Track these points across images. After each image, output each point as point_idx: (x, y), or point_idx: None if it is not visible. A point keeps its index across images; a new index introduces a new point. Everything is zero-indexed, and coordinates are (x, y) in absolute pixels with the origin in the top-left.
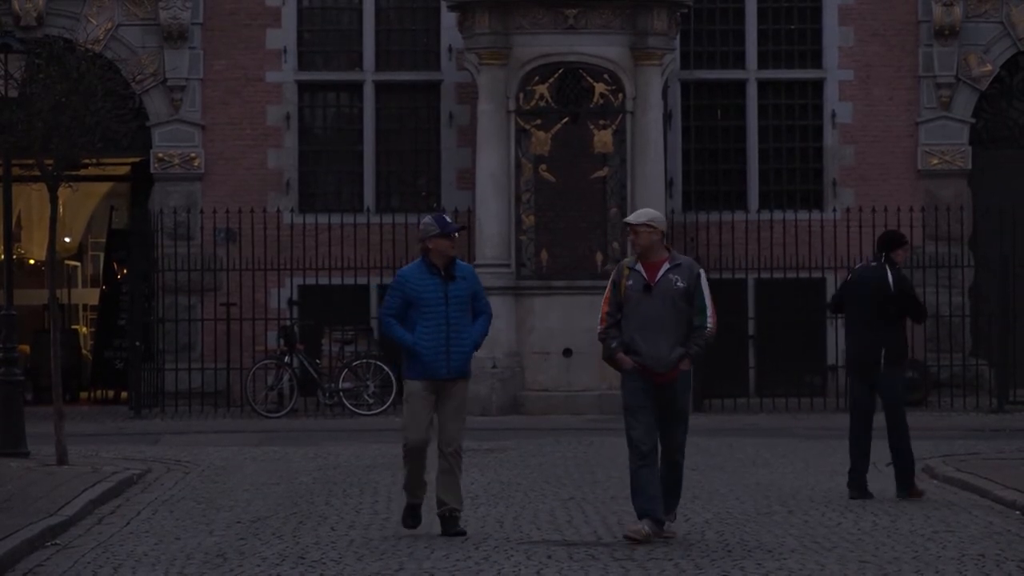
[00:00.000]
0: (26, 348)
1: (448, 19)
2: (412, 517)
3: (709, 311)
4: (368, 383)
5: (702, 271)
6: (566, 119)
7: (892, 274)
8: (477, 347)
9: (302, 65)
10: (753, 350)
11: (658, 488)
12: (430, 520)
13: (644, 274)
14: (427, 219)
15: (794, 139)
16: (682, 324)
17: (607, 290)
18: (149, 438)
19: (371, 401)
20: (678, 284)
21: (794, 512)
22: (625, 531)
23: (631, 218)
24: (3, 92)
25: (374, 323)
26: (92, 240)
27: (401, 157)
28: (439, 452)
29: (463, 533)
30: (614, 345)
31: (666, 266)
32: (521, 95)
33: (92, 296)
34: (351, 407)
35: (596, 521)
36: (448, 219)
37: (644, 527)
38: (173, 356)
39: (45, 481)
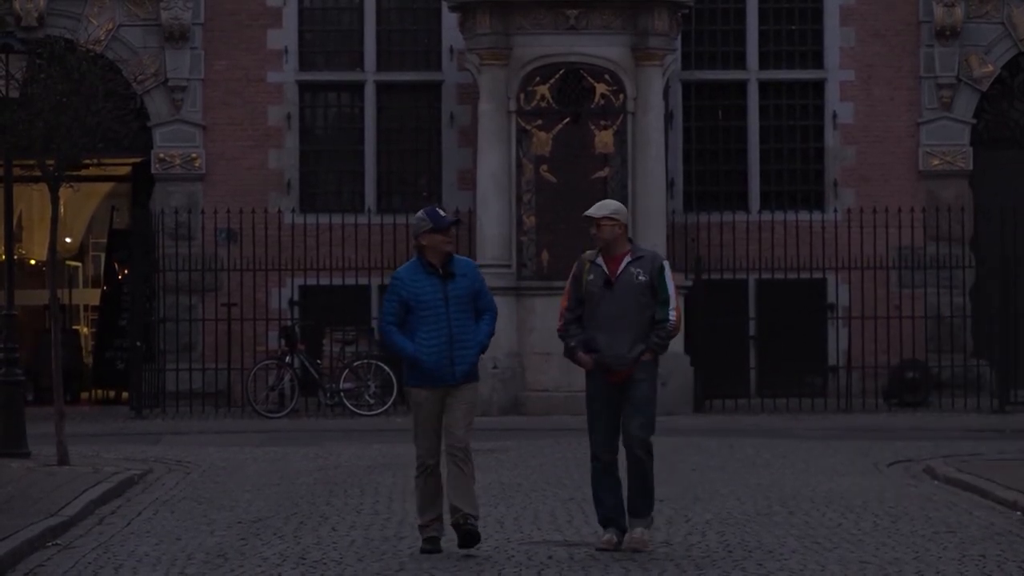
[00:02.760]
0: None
1: (449, 19)
2: (431, 548)
3: (672, 304)
4: (369, 383)
5: (666, 262)
6: (567, 119)
7: None
8: (484, 349)
9: (303, 65)
10: (754, 351)
11: (620, 495)
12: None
13: (605, 268)
14: (419, 214)
15: (795, 140)
16: (644, 319)
17: (567, 285)
18: (150, 438)
19: (372, 401)
20: (640, 278)
21: (795, 513)
22: (596, 545)
23: (592, 211)
24: (4, 92)
25: (375, 323)
26: (93, 240)
27: (402, 157)
28: (447, 455)
29: (479, 539)
30: (573, 344)
31: (627, 259)
32: (522, 95)
33: (93, 296)
34: (352, 407)
35: (596, 521)
36: (442, 212)
37: (612, 537)
38: (174, 356)
39: (46, 481)
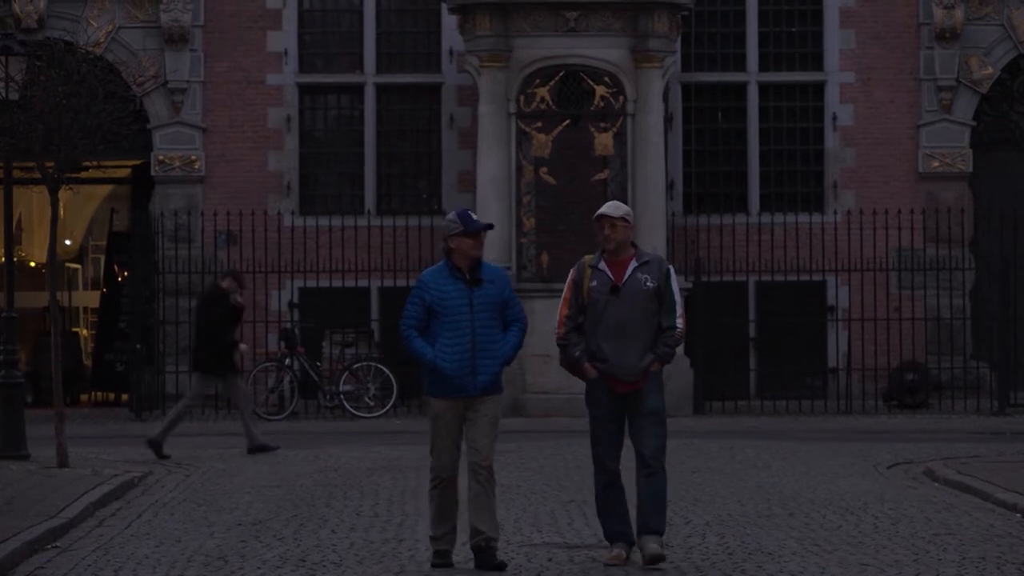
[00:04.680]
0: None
1: (449, 21)
2: (443, 563)
3: (679, 311)
4: (368, 386)
5: (671, 267)
6: (567, 122)
7: None
8: (508, 362)
9: (303, 67)
10: (754, 352)
11: (626, 507)
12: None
13: (610, 273)
14: (450, 215)
15: (795, 142)
16: (651, 328)
17: (566, 291)
18: None
19: (371, 404)
20: (647, 284)
21: (795, 515)
22: (603, 560)
23: (607, 210)
24: (4, 94)
25: (375, 326)
26: (93, 243)
27: (402, 160)
28: (470, 472)
29: (503, 566)
30: (577, 353)
31: (633, 264)
32: (522, 97)
33: (93, 299)
34: (351, 410)
35: (597, 524)
36: (474, 216)
37: (621, 552)
38: (174, 358)
39: (46, 483)
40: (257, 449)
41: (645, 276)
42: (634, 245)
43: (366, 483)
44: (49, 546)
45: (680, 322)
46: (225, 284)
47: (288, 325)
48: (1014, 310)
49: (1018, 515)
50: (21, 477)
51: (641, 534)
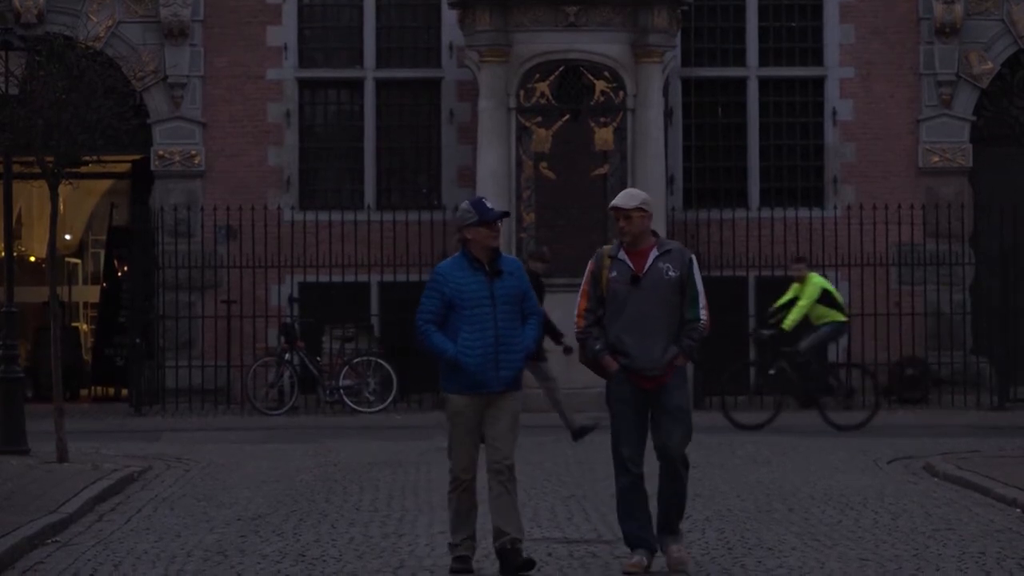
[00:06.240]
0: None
1: (449, 16)
2: (463, 568)
3: (702, 302)
4: (368, 380)
5: (693, 256)
6: (567, 116)
7: None
8: (530, 355)
9: (303, 62)
10: (754, 347)
11: (649, 513)
12: (435, 517)
13: (630, 264)
14: (464, 205)
15: (795, 136)
16: (674, 320)
17: (584, 282)
18: (149, 435)
19: (371, 398)
20: (669, 274)
21: (795, 510)
22: (623, 567)
23: (620, 201)
24: (4, 89)
25: (375, 320)
26: (93, 237)
27: (402, 154)
28: (490, 472)
29: (531, 564)
30: (599, 347)
31: (654, 253)
32: (522, 92)
33: (93, 293)
34: (351, 404)
35: (596, 519)
36: (489, 204)
37: (642, 559)
38: (173, 353)
39: (45, 478)
40: (579, 432)
41: (667, 265)
42: (655, 234)
43: (366, 478)
44: (49, 541)
45: (704, 314)
46: (539, 268)
47: (288, 320)
48: (1014, 305)
49: (1018, 510)
50: (21, 472)
51: (664, 534)
